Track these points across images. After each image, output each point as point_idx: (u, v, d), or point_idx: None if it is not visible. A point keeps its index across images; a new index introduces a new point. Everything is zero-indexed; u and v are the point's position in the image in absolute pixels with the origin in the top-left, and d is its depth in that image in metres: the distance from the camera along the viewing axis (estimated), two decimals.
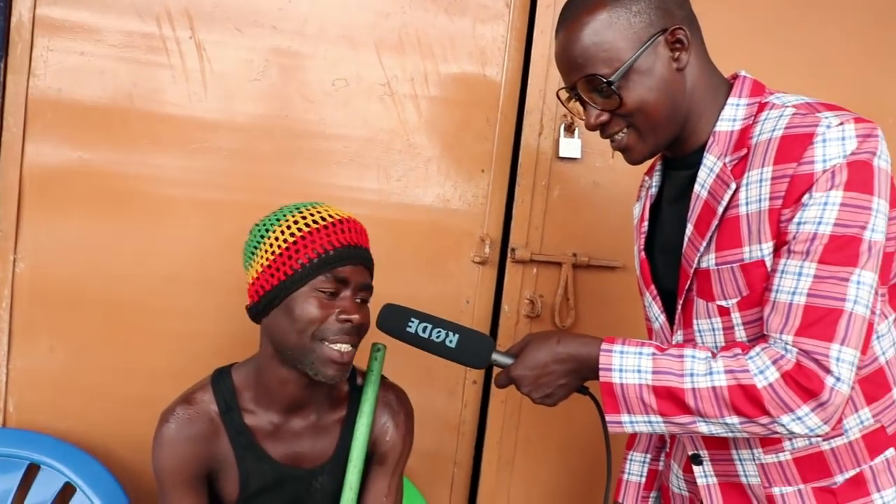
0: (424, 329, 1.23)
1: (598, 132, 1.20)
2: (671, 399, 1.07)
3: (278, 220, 1.31)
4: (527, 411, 2.01)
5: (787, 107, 1.11)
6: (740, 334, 1.14)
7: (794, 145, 1.05)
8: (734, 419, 1.05)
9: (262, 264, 1.29)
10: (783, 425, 1.02)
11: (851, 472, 1.15)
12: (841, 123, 1.04)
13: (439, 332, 1.23)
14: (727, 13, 1.97)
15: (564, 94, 1.23)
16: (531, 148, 1.95)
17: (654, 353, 1.10)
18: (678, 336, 1.24)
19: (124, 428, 1.87)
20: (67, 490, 1.74)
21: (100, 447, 1.86)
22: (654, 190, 1.33)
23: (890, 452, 1.15)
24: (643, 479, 1.47)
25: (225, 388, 1.36)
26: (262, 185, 1.86)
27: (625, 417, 1.10)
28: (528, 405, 1.98)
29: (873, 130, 1.05)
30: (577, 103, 1.21)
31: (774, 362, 1.02)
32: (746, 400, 1.03)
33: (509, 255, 1.98)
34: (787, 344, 1.03)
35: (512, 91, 1.96)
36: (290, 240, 1.27)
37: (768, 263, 1.08)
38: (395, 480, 1.45)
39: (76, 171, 1.81)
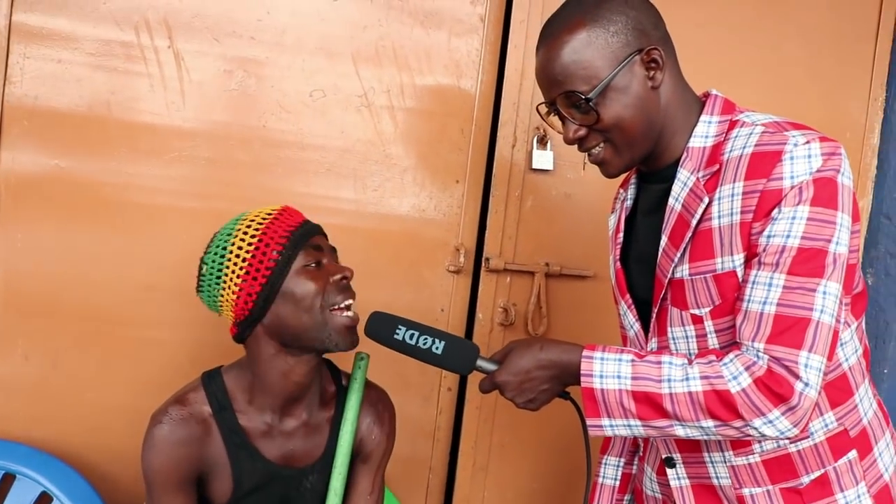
0: (412, 336, 1.26)
1: (575, 146, 1.24)
2: (649, 403, 1.11)
3: (228, 235, 1.33)
4: (501, 417, 2.04)
5: (756, 125, 1.16)
6: (713, 341, 1.18)
7: (764, 162, 1.11)
8: (709, 422, 1.09)
9: (235, 282, 1.30)
10: (755, 428, 1.07)
11: (817, 473, 1.20)
12: (808, 142, 1.10)
13: (426, 339, 1.26)
14: (692, 31, 2.02)
15: (544, 109, 1.26)
16: (505, 159, 1.99)
17: (633, 360, 1.14)
18: (653, 343, 1.28)
19: (101, 437, 1.86)
20: (44, 499, 1.73)
21: (76, 456, 1.84)
22: (629, 202, 1.37)
23: (852, 454, 1.21)
24: (617, 483, 1.50)
25: (217, 389, 1.37)
26: (240, 195, 1.87)
27: (605, 421, 1.14)
28: (503, 411, 2.01)
29: (837, 149, 1.11)
30: (556, 118, 1.24)
31: (747, 368, 1.07)
32: (721, 404, 1.07)
33: (483, 264, 2.01)
34: (758, 351, 1.08)
35: (486, 103, 1.99)
36: (254, 240, 1.30)
37: (740, 274, 1.13)
38: (379, 478, 1.48)
39: (53, 178, 1.80)
